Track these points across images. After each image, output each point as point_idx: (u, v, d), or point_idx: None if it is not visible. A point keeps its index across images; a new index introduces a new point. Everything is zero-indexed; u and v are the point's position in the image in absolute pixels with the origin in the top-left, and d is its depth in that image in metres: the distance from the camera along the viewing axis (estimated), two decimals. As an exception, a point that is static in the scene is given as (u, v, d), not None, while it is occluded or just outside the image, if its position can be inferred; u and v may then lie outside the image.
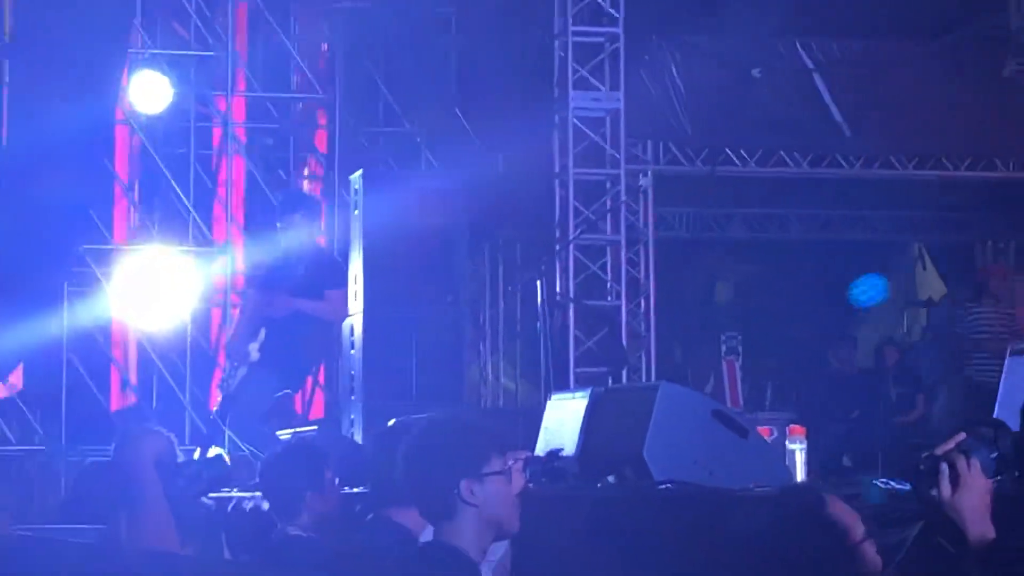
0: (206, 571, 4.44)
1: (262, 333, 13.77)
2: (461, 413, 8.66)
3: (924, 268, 22.27)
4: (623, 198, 15.71)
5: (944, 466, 4.00)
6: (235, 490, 10.68)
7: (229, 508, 10.20)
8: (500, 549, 4.96)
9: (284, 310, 13.18)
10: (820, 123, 17.81)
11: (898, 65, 18.03)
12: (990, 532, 4.03)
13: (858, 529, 4.19)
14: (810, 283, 18.98)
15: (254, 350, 13.88)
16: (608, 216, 15.58)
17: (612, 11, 15.42)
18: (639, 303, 16.55)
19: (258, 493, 8.60)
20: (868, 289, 16.09)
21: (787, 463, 9.41)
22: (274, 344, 13.41)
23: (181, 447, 14.84)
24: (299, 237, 12.73)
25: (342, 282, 13.52)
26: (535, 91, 16.00)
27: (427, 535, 5.29)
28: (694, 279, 20.88)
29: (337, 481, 6.99)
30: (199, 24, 16.50)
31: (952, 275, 21.32)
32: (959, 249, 21.58)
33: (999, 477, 4.18)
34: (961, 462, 4.00)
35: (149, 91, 15.91)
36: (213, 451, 13.29)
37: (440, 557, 5.02)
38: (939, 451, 4.08)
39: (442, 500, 5.05)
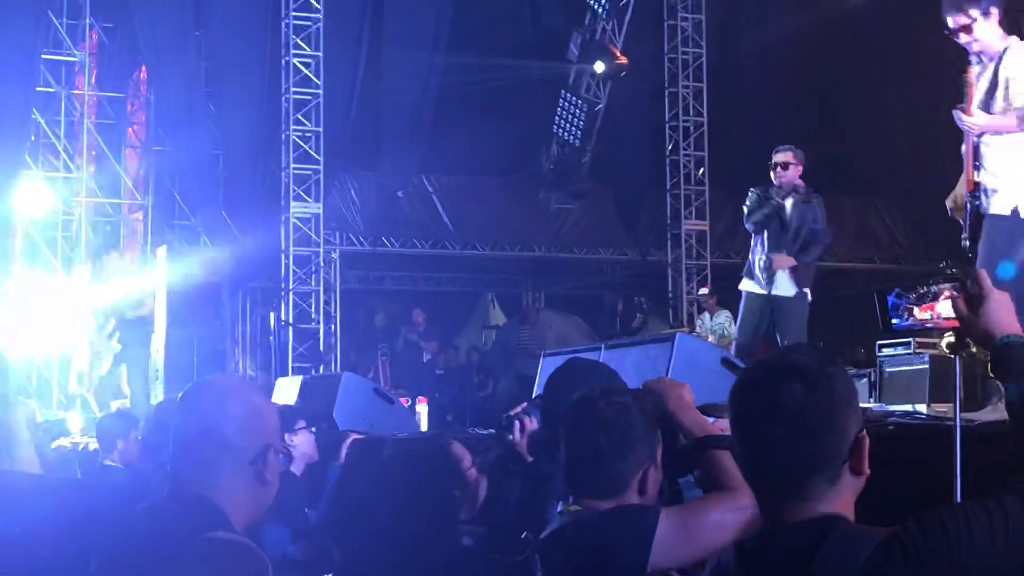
0: (52, 484, 4.12)
1: (116, 332, 13.04)
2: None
3: (494, 307, 22.49)
4: (321, 265, 15.48)
5: (516, 422, 3.97)
6: (85, 436, 10.06)
7: (80, 448, 9.62)
8: None
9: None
10: (436, 224, 17.89)
11: (484, 191, 18.32)
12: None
13: (468, 459, 4.26)
14: (428, 316, 18.84)
15: (114, 341, 13.17)
16: (312, 275, 15.34)
17: (316, 155, 15.20)
18: (331, 327, 16.24)
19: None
20: None
21: (416, 419, 9.32)
22: (127, 335, 12.92)
23: (49, 410, 13.79)
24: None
25: None
26: (270, 201, 15.67)
27: None
28: (363, 313, 20.68)
29: (140, 437, 6.70)
30: (65, 156, 15.84)
31: (508, 311, 21.60)
32: (512, 296, 21.89)
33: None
34: (526, 419, 3.98)
35: (35, 198, 15.35)
36: (71, 414, 12.56)
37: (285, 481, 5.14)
38: (512, 413, 4.06)
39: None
